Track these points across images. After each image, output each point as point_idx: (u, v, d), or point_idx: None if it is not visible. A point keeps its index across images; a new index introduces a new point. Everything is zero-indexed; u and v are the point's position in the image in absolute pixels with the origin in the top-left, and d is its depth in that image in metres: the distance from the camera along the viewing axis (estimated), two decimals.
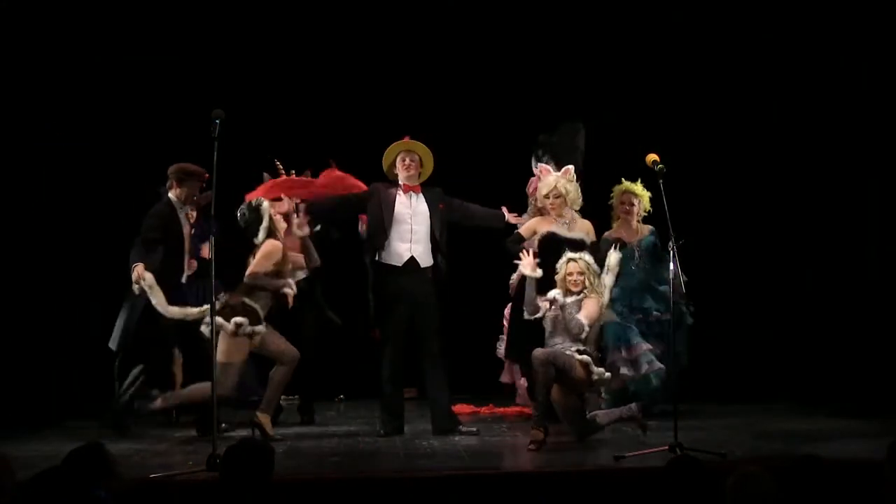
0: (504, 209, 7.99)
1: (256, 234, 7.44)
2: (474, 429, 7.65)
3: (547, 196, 7.93)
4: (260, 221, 7.39)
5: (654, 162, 7.06)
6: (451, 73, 10.10)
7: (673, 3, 9.94)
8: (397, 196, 7.80)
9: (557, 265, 7.47)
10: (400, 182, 7.83)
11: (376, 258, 7.79)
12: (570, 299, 7.26)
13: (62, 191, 9.49)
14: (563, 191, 7.89)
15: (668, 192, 6.94)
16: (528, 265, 7.31)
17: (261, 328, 7.33)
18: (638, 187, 8.55)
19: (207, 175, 7.53)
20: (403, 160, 7.82)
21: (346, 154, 8.88)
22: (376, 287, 7.83)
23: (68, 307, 9.44)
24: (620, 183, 8.60)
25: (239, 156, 7.75)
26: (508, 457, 6.67)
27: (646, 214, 8.58)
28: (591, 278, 7.36)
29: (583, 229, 7.93)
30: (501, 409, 8.89)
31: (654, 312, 8.42)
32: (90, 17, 9.44)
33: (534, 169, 8.47)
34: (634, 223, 8.61)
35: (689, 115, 10.00)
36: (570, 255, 7.46)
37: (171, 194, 7.88)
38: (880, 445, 6.48)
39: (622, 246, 8.09)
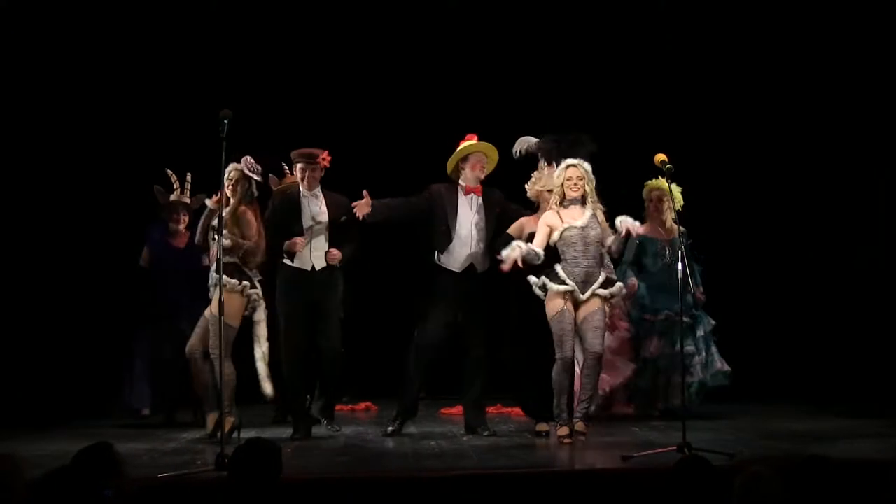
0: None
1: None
2: (490, 432, 7.59)
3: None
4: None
5: (663, 162, 7.05)
6: (462, 74, 10.11)
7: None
8: (459, 199, 7.73)
9: (555, 174, 7.36)
10: (462, 183, 7.75)
11: (436, 261, 7.72)
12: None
13: (69, 192, 9.54)
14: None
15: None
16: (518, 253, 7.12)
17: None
18: (666, 183, 8.51)
19: (319, 154, 7.64)
20: (480, 161, 7.72)
21: (352, 154, 8.89)
22: (431, 290, 7.74)
23: (75, 307, 9.46)
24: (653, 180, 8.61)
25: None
26: (517, 456, 6.66)
27: (679, 210, 8.55)
28: (590, 186, 7.26)
29: None
30: (509, 409, 8.88)
31: (665, 311, 8.42)
32: (94, 17, 9.48)
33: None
34: (668, 221, 8.59)
35: (698, 115, 10.00)
36: (569, 161, 7.30)
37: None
38: (889, 445, 6.53)
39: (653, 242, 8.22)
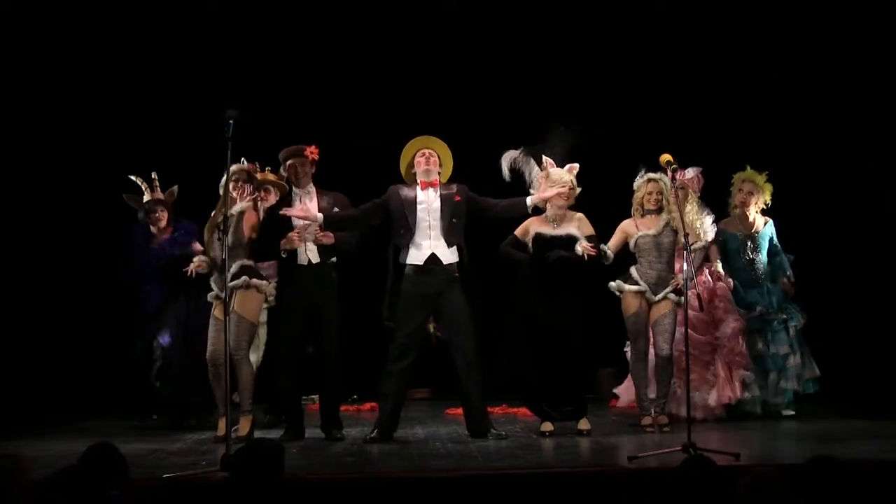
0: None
1: None
2: (503, 433, 7.47)
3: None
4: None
5: (668, 162, 7.03)
6: (461, 73, 10.13)
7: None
8: (417, 194, 7.55)
9: (635, 185, 7.88)
10: (418, 179, 7.60)
11: (400, 259, 7.51)
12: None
13: (77, 193, 9.56)
14: (573, 184, 7.65)
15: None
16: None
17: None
18: (761, 178, 8.44)
19: (305, 149, 7.61)
20: (423, 155, 7.61)
21: (356, 155, 8.90)
22: (398, 288, 7.52)
23: (80, 307, 9.48)
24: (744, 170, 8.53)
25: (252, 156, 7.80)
26: (522, 457, 6.65)
27: (765, 207, 8.51)
28: (667, 198, 7.70)
29: (572, 222, 7.65)
30: (514, 410, 8.86)
31: (759, 308, 8.37)
32: (98, 17, 9.51)
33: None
34: (752, 214, 8.49)
35: (714, 114, 10.01)
36: (650, 175, 7.78)
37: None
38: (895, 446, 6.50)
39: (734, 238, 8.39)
